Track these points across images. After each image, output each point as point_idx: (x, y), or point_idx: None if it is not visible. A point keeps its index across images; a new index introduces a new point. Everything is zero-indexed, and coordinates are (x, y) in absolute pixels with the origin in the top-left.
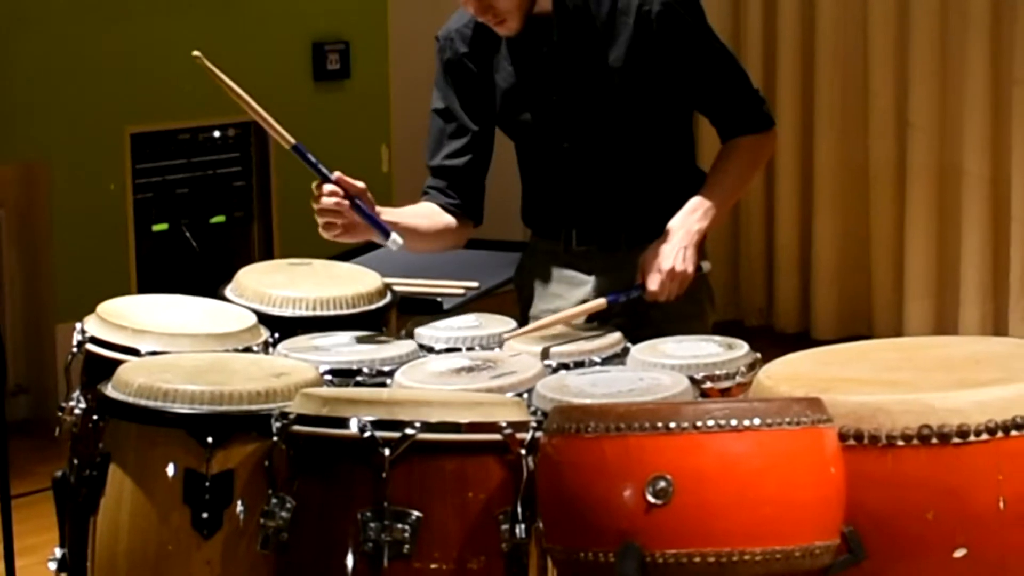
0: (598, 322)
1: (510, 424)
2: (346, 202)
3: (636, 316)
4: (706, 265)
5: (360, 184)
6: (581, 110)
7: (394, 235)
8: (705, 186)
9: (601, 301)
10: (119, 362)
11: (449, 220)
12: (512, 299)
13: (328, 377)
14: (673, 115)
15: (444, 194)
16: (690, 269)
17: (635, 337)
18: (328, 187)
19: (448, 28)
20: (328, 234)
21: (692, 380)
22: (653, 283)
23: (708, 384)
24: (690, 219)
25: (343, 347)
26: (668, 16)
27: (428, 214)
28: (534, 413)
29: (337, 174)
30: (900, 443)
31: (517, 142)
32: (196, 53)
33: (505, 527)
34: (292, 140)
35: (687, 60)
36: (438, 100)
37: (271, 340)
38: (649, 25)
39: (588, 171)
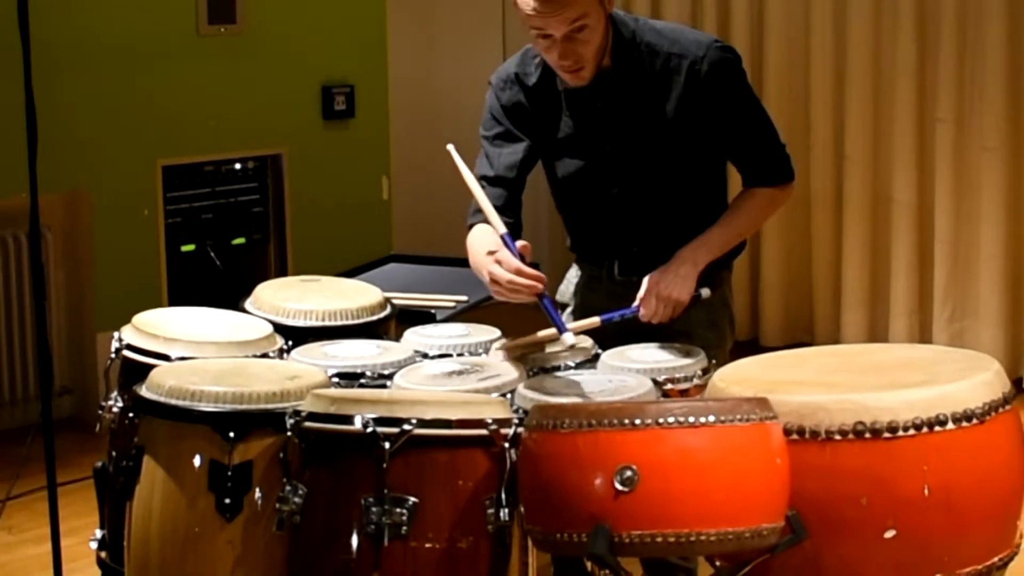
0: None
1: (495, 421)
2: (540, 288)
3: (664, 342)
4: (705, 292)
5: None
6: (631, 159)
7: (568, 334)
8: (719, 223)
9: (595, 320)
10: (152, 366)
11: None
12: (495, 311)
13: (335, 379)
14: (710, 161)
15: (501, 213)
16: (684, 298)
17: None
18: (516, 270)
19: (507, 71)
20: (496, 295)
21: (655, 382)
22: (648, 308)
23: (669, 386)
24: (697, 251)
25: (349, 353)
26: (714, 75)
27: (496, 243)
28: (516, 411)
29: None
30: (837, 437)
31: (565, 184)
32: (450, 146)
33: (491, 511)
34: (503, 228)
35: (727, 114)
36: (493, 127)
37: (285, 347)
38: (699, 82)
39: (633, 212)
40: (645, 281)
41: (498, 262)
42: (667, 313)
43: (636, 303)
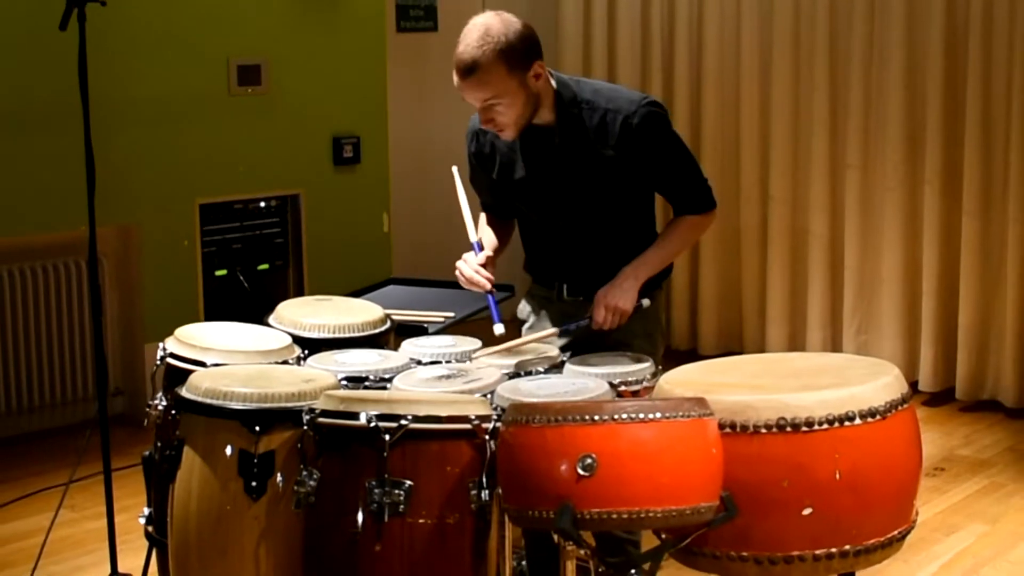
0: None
1: (478, 417)
2: (487, 286)
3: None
4: (645, 302)
5: (489, 254)
6: (576, 198)
7: (499, 325)
8: (655, 245)
9: (554, 330)
10: (191, 371)
11: (508, 221)
12: (478, 325)
13: (344, 382)
14: (641, 196)
15: (499, 209)
16: (628, 307)
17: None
18: (481, 262)
19: (473, 126)
20: (461, 283)
21: (611, 385)
22: (598, 316)
23: (622, 387)
24: (638, 269)
25: (355, 360)
26: (644, 127)
27: (498, 223)
28: (495, 409)
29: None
30: (763, 431)
31: (522, 219)
32: (454, 168)
33: (474, 492)
34: (475, 237)
35: (656, 158)
36: (473, 167)
37: (302, 355)
38: (631, 131)
39: (578, 240)
40: (596, 295)
41: (464, 261)
42: (615, 321)
43: (588, 314)
